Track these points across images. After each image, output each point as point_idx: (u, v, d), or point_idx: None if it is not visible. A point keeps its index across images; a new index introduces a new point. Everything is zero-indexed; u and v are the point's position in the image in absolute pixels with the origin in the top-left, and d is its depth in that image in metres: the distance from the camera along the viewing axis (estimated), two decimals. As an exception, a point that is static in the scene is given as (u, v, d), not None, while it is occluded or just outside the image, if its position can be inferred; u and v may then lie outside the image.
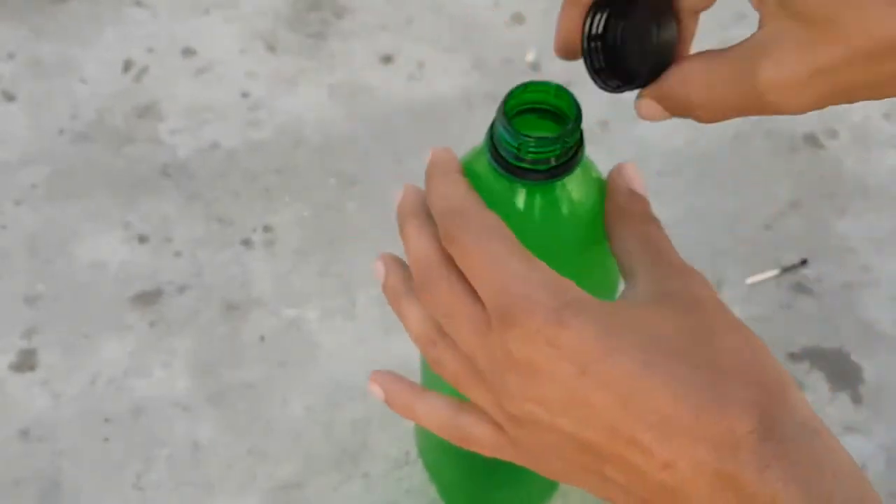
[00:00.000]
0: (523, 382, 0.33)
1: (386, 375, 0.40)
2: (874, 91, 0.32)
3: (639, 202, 0.39)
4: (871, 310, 0.66)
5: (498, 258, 0.34)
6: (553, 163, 0.37)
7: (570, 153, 0.37)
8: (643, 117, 0.37)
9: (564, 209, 0.39)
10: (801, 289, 0.67)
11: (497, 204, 0.38)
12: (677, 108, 0.36)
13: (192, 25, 0.79)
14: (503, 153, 0.37)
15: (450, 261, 0.36)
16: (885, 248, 0.69)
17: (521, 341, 0.33)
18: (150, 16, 0.79)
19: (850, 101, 0.32)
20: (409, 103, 0.75)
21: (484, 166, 0.38)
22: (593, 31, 0.37)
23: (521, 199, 0.38)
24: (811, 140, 0.74)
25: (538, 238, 0.36)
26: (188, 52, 0.77)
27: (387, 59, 0.77)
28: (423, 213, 0.38)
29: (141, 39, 0.78)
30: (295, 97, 0.75)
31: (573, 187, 0.38)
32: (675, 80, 0.35)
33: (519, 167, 0.37)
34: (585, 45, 0.38)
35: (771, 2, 0.31)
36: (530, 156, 0.36)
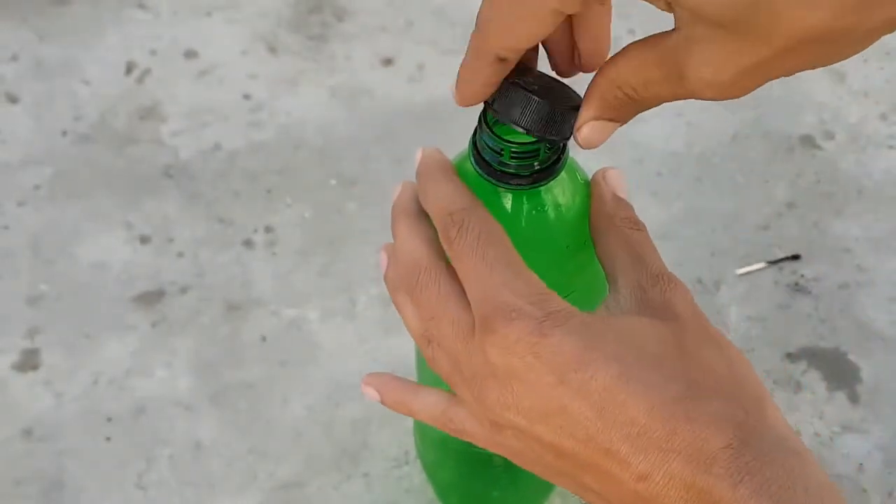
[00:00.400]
0: (502, 390, 0.34)
1: (379, 376, 0.41)
2: (795, 71, 0.32)
3: (624, 208, 0.39)
4: (868, 310, 0.67)
5: (490, 264, 0.35)
6: (536, 167, 0.37)
7: (552, 158, 0.37)
8: (589, 144, 0.36)
9: (550, 213, 0.39)
10: (798, 289, 0.68)
11: None
12: (621, 115, 0.36)
13: (194, 27, 0.79)
14: (487, 159, 0.37)
15: (440, 263, 0.37)
16: (881, 249, 0.69)
17: (500, 349, 0.33)
18: (152, 18, 0.79)
19: (771, 80, 0.33)
20: (409, 105, 0.75)
21: (468, 171, 0.38)
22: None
23: (505, 205, 0.38)
24: (808, 141, 0.74)
25: (524, 243, 0.36)
26: (190, 53, 0.78)
27: (387, 62, 0.78)
28: (416, 211, 0.38)
29: (143, 41, 0.78)
30: (296, 99, 0.76)
31: (558, 191, 0.39)
32: (608, 88, 0.35)
33: (503, 172, 0.37)
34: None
35: (683, 8, 0.31)
36: (513, 161, 0.36)
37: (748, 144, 0.74)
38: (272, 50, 0.78)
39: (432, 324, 0.36)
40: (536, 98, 0.35)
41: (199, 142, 0.73)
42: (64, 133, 0.74)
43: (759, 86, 0.32)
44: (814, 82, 0.77)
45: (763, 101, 0.75)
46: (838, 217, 0.71)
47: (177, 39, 0.78)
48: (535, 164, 0.37)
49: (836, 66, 0.77)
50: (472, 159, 0.38)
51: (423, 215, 0.38)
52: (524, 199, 0.38)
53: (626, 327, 0.34)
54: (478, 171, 0.37)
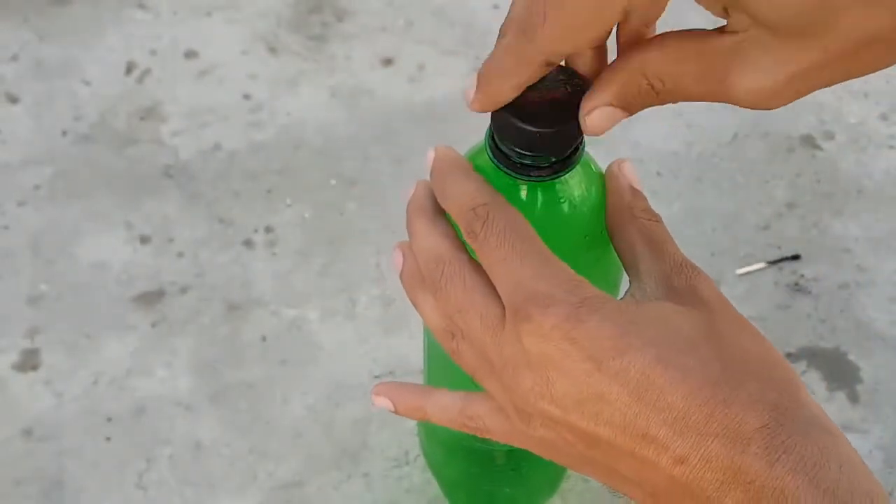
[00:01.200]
0: (536, 378, 0.34)
1: (389, 385, 0.41)
2: (842, 79, 0.32)
3: (641, 199, 0.39)
4: (868, 310, 0.67)
5: (520, 255, 0.35)
6: (555, 159, 0.37)
7: (571, 149, 0.37)
8: (595, 130, 0.35)
9: (566, 205, 0.39)
10: (798, 289, 0.68)
11: None
12: (635, 106, 0.35)
13: (194, 27, 0.79)
14: (505, 151, 0.37)
15: (463, 256, 0.37)
16: (881, 249, 0.69)
17: (536, 336, 0.33)
18: (153, 18, 0.79)
19: (815, 90, 0.33)
20: (409, 105, 0.75)
21: (485, 164, 0.38)
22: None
23: (523, 197, 0.38)
24: (808, 141, 0.74)
25: (543, 234, 0.37)
26: (190, 54, 0.78)
27: (387, 62, 0.78)
28: (432, 209, 0.39)
29: (143, 41, 0.78)
30: (296, 99, 0.76)
31: (574, 183, 0.39)
32: (633, 76, 0.34)
33: (522, 165, 0.37)
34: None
35: (740, 13, 0.31)
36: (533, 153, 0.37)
37: (748, 144, 0.74)
38: (272, 50, 0.78)
39: (459, 317, 0.36)
40: (527, 127, 0.36)
41: (199, 142, 0.73)
42: (64, 133, 0.74)
43: (798, 97, 0.32)
44: (814, 82, 0.77)
45: (763, 102, 0.75)
46: (838, 217, 0.71)
47: (177, 39, 0.78)
48: (554, 156, 0.37)
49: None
50: (489, 152, 0.38)
51: (440, 212, 0.38)
52: (543, 191, 0.38)
53: (658, 313, 0.34)
54: (496, 164, 0.38)
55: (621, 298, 0.36)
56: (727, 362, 0.33)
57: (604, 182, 0.40)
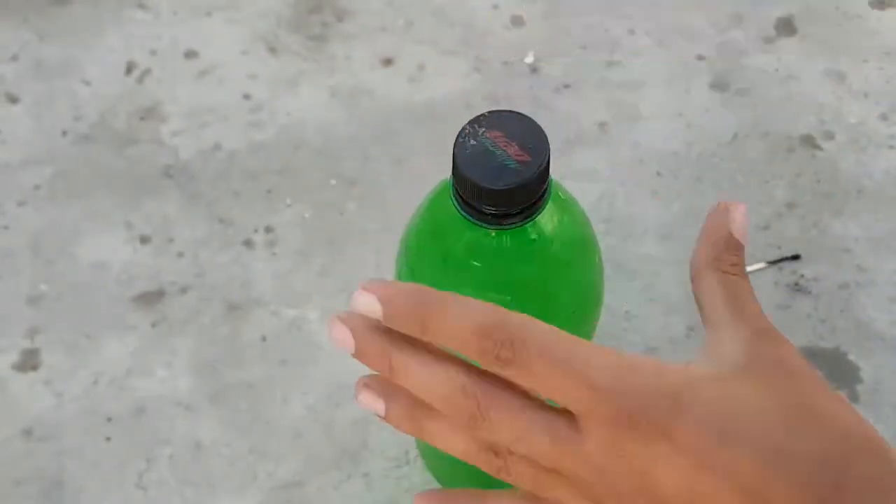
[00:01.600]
0: (636, 481, 0.33)
1: (429, 495, 0.39)
2: None
3: (734, 251, 0.38)
4: (869, 310, 0.67)
5: (574, 357, 0.32)
6: (525, 205, 0.36)
7: (540, 191, 0.36)
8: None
9: (546, 241, 0.38)
10: (798, 289, 0.68)
11: (470, 253, 0.37)
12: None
13: (194, 27, 0.79)
14: (472, 203, 0.36)
15: (487, 378, 0.33)
16: (881, 249, 0.69)
17: (639, 443, 0.32)
18: (153, 18, 0.79)
19: None
20: (409, 105, 0.75)
21: (449, 216, 0.37)
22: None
23: (495, 245, 0.37)
24: (808, 141, 0.74)
25: (529, 276, 0.36)
26: (190, 53, 0.78)
27: (387, 62, 0.78)
28: (403, 336, 0.33)
29: (143, 41, 0.78)
30: (296, 99, 0.76)
31: (547, 218, 0.38)
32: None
33: (491, 215, 0.36)
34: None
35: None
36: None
37: (748, 144, 0.74)
38: (272, 50, 0.78)
39: (517, 444, 0.34)
40: (494, 187, 0.35)
41: (199, 142, 0.73)
42: (64, 133, 0.74)
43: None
44: (814, 82, 0.77)
45: (763, 101, 0.75)
46: (838, 217, 0.71)
47: (177, 39, 0.78)
48: (524, 204, 0.36)
49: (837, 66, 0.77)
50: (456, 206, 0.37)
51: (408, 339, 0.33)
52: (516, 235, 0.37)
53: (748, 392, 0.33)
54: (464, 216, 0.36)
55: (698, 363, 0.35)
56: (831, 439, 0.32)
57: (575, 206, 0.39)
